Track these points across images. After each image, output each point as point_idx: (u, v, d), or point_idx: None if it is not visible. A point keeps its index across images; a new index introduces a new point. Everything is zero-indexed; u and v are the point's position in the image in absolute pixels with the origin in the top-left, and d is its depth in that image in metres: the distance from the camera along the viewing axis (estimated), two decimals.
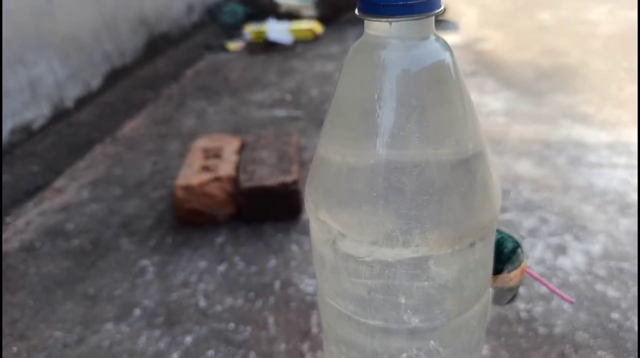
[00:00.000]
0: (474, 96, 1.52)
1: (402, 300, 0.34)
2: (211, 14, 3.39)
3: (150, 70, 2.55)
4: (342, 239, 0.33)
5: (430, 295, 0.34)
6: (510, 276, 0.43)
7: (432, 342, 0.36)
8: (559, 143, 1.68)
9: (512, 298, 0.46)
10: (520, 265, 0.44)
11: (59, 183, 1.65)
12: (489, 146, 1.49)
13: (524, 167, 1.55)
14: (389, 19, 0.29)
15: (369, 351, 0.36)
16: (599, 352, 0.95)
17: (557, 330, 1.00)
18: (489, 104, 1.97)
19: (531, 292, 1.08)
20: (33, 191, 1.60)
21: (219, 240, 1.32)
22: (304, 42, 2.93)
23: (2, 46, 1.71)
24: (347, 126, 0.32)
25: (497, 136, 1.75)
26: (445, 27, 3.06)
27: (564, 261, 1.17)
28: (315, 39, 2.97)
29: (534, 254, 1.19)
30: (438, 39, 0.32)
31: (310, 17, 3.18)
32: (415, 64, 0.31)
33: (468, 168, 0.33)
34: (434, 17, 0.31)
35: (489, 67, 2.33)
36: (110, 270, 1.25)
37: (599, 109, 1.91)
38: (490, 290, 0.43)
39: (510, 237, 0.46)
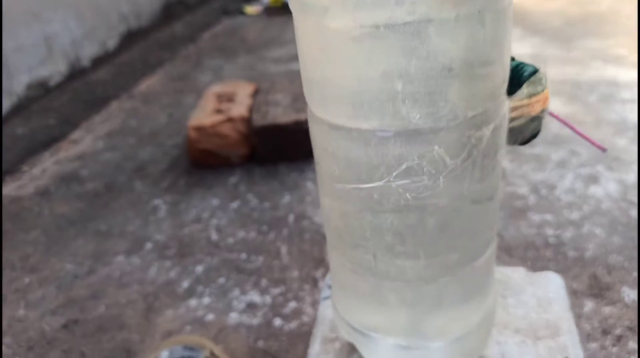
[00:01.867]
0: None
1: (399, 86, 0.29)
2: None
3: (167, 33, 2.53)
4: (326, 13, 0.28)
5: (432, 80, 0.29)
6: (532, 102, 0.37)
7: (436, 148, 0.31)
8: (590, 83, 1.59)
9: (534, 135, 0.41)
10: (542, 91, 0.39)
11: (75, 135, 1.64)
12: None
13: (553, 105, 1.46)
14: None
15: (364, 165, 0.31)
16: (634, 273, 0.88)
17: (589, 253, 0.93)
18: (514, 50, 1.87)
19: (560, 219, 1.02)
20: (49, 142, 1.59)
21: (233, 179, 1.29)
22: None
23: (16, 0, 1.70)
24: None
25: None
26: None
27: (595, 190, 1.09)
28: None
29: (563, 184, 1.12)
30: None
31: None
32: None
33: None
34: None
35: (515, 16, 2.22)
36: (123, 209, 1.22)
37: (632, 51, 1.80)
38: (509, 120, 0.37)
39: (530, 65, 0.40)
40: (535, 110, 0.36)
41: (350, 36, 0.28)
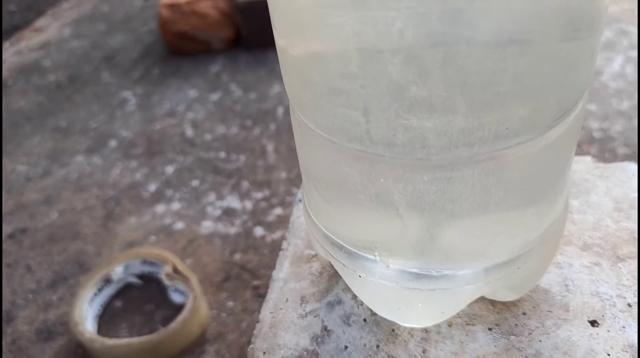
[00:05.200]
0: None
1: None
2: None
3: None
4: None
5: None
6: None
7: None
8: None
9: None
10: None
11: (40, 22, 1.43)
12: None
13: None
14: None
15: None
16: None
17: None
18: None
19: (607, 109, 0.83)
20: (10, 31, 1.39)
21: (214, 68, 1.09)
22: None
23: None
24: None
25: None
26: None
27: None
28: None
29: (611, 69, 0.92)
30: None
31: None
32: None
33: None
34: None
35: None
36: (87, 103, 1.05)
37: None
38: None
39: None
40: None
41: None
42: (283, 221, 0.71)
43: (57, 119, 1.01)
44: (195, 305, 0.58)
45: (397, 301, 0.26)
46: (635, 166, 0.38)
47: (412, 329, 0.28)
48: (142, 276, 0.65)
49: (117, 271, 0.63)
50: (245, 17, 1.08)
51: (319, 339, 0.28)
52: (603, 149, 0.76)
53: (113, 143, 0.92)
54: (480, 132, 0.18)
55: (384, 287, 0.25)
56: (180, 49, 1.14)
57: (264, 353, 0.28)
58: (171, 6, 1.08)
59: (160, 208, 0.77)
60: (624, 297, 0.29)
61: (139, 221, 0.75)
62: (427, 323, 0.27)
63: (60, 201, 0.81)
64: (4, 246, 0.75)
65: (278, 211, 0.73)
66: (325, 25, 0.17)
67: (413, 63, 0.16)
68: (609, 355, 0.26)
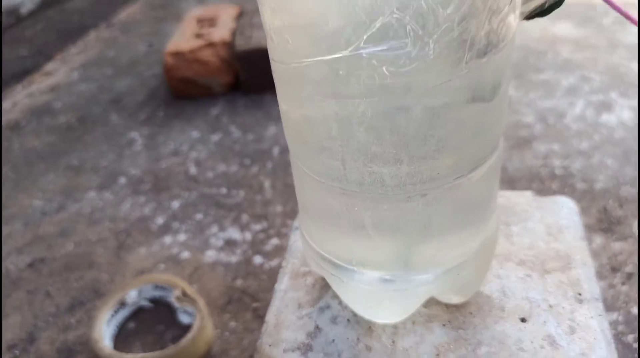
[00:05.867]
0: None
1: None
2: None
3: None
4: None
5: None
6: None
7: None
8: (605, 5, 1.46)
9: (556, 4, 0.31)
10: None
11: (49, 66, 1.53)
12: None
13: (564, 28, 1.34)
14: None
15: (324, 26, 0.22)
16: None
17: (599, 185, 0.85)
18: None
19: (568, 148, 0.93)
20: (21, 75, 1.48)
21: (214, 111, 1.19)
22: None
23: None
24: None
25: None
26: None
27: (608, 118, 1.00)
28: None
29: (573, 112, 1.03)
30: None
31: None
32: None
33: None
34: None
35: None
36: (97, 143, 1.14)
37: None
38: None
39: None
40: None
41: None
42: (280, 250, 0.79)
43: (69, 157, 1.10)
44: (202, 324, 0.65)
45: (370, 301, 0.34)
46: (566, 199, 0.46)
47: (385, 326, 0.36)
48: (153, 300, 0.72)
49: (131, 295, 0.71)
50: (243, 64, 1.18)
51: (312, 335, 0.37)
52: (564, 185, 0.85)
53: (122, 180, 1.00)
54: (420, 175, 0.27)
55: (361, 290, 0.33)
56: (183, 93, 1.23)
57: (270, 345, 0.36)
58: (175, 54, 1.19)
59: (167, 239, 0.85)
60: (547, 300, 0.37)
61: (148, 251, 0.83)
62: (395, 319, 0.36)
63: (75, 233, 0.89)
64: (24, 274, 0.82)
65: (275, 241, 0.82)
66: (316, 105, 0.26)
67: (372, 131, 0.25)
68: (532, 342, 0.34)
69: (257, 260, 0.79)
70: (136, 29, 1.72)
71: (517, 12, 0.25)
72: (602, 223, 0.78)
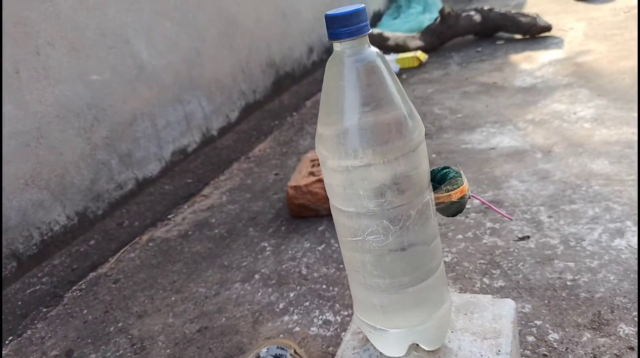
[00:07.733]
0: (564, 106, 1.72)
1: (361, 192, 0.62)
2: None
3: (276, 103, 3.03)
4: (327, 159, 0.62)
5: (376, 190, 0.61)
6: (450, 194, 0.67)
7: (384, 221, 0.62)
8: None
9: (457, 212, 0.70)
10: (459, 186, 0.68)
11: (206, 190, 2.12)
12: (570, 149, 1.61)
13: (600, 165, 1.65)
14: (341, 41, 0.59)
15: (351, 228, 0.64)
16: (634, 313, 1.07)
17: (598, 295, 1.13)
18: (578, 111, 2.06)
19: (580, 266, 1.23)
20: (187, 196, 2.08)
21: (321, 227, 1.64)
22: (409, 69, 3.21)
23: (165, 89, 2.26)
24: (327, 101, 0.62)
25: (579, 139, 1.85)
26: (549, 43, 3.12)
27: (619, 242, 1.28)
28: (420, 65, 3.23)
29: (592, 236, 1.32)
30: (371, 47, 0.61)
31: (416, 48, 3.43)
32: (360, 62, 0.59)
33: (396, 118, 0.60)
34: (367, 36, 0.59)
35: (585, 78, 2.38)
36: (240, 249, 1.63)
37: None
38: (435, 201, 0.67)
39: (453, 170, 0.69)
40: (453, 198, 0.66)
41: (337, 170, 0.62)
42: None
43: (221, 259, 1.60)
44: None
45: (382, 343, 0.72)
46: (511, 301, 0.81)
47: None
48: (276, 355, 1.13)
49: (262, 352, 1.12)
50: None
51: None
52: (570, 294, 1.15)
53: (257, 276, 1.46)
54: (395, 284, 0.66)
55: (379, 337, 0.72)
56: (299, 214, 1.71)
57: None
58: (295, 187, 1.68)
59: (286, 318, 1.27)
60: (482, 355, 0.72)
61: (273, 325, 1.25)
62: (397, 354, 0.73)
63: (227, 311, 1.34)
64: (195, 336, 1.28)
65: None
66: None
67: (372, 266, 0.66)
68: None
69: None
70: (267, 161, 2.29)
71: (432, 220, 0.66)
72: (593, 323, 1.07)
